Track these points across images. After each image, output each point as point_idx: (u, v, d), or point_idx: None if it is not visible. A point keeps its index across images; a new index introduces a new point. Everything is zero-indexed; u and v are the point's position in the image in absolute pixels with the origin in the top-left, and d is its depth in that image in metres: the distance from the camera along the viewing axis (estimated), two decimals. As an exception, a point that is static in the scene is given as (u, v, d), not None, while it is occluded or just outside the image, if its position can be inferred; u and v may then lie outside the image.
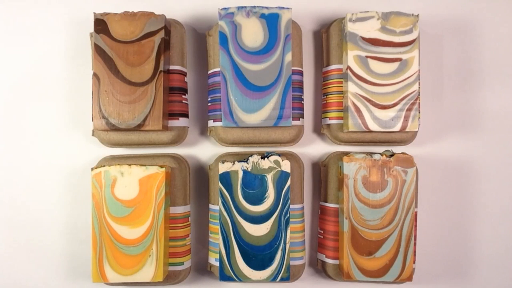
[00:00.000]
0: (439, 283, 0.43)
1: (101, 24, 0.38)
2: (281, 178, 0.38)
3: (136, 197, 0.37)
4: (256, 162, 0.38)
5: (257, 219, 0.37)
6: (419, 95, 0.38)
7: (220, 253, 0.38)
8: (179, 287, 0.42)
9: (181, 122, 0.40)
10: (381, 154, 0.38)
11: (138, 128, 0.37)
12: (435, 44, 0.44)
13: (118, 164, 0.37)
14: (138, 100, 0.37)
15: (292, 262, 0.39)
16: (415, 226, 0.38)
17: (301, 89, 0.40)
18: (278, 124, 0.38)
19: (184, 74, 0.41)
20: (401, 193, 0.38)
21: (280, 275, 0.37)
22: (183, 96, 0.40)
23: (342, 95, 0.40)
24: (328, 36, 0.42)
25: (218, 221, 0.38)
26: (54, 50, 0.43)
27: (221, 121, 0.39)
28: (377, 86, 0.38)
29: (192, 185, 0.42)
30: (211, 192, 0.40)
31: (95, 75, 0.37)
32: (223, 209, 0.38)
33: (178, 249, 0.39)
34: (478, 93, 0.43)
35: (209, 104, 0.40)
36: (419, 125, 0.39)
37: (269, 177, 0.38)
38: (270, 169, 0.38)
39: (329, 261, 0.40)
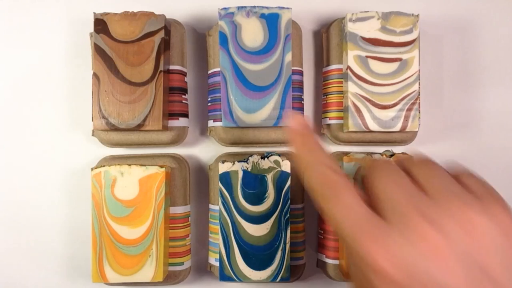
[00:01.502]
0: (439, 283, 0.43)
1: (101, 24, 0.38)
2: (281, 178, 0.38)
3: (136, 197, 0.37)
4: (256, 162, 0.38)
5: (257, 219, 0.37)
6: (419, 95, 0.38)
7: (220, 253, 0.38)
8: (179, 287, 0.42)
9: (181, 122, 0.40)
10: (381, 154, 0.38)
11: (138, 128, 0.37)
12: (435, 44, 0.44)
13: (118, 164, 0.37)
14: (138, 100, 0.37)
15: (292, 262, 0.39)
16: (415, 226, 0.38)
17: (301, 89, 0.40)
18: (278, 124, 0.38)
19: (184, 74, 0.41)
20: (401, 193, 0.37)
21: (280, 275, 0.37)
22: (183, 96, 0.40)
23: (342, 95, 0.40)
24: (328, 36, 0.42)
25: (218, 221, 0.38)
26: (54, 50, 0.43)
27: (221, 121, 0.39)
28: (377, 86, 0.38)
29: (192, 185, 0.42)
30: (211, 192, 0.40)
31: (95, 75, 0.37)
32: (223, 209, 0.38)
33: (178, 249, 0.39)
34: (478, 93, 0.43)
35: (209, 104, 0.40)
36: (419, 125, 0.39)
37: (269, 177, 0.38)
38: (270, 169, 0.38)
39: (329, 261, 0.40)
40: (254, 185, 0.38)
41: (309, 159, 0.28)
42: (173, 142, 0.40)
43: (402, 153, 0.38)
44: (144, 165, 0.37)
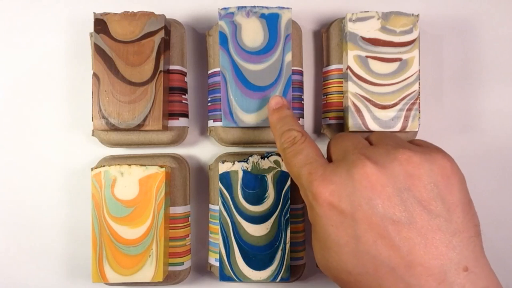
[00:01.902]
0: (439, 283, 0.43)
1: (101, 24, 0.38)
2: (281, 178, 0.38)
3: (136, 197, 0.37)
4: (256, 162, 0.38)
5: (257, 219, 0.37)
6: (419, 95, 0.38)
7: (220, 253, 0.38)
8: (179, 287, 0.42)
9: (181, 122, 0.40)
10: (381, 154, 0.38)
11: (138, 128, 0.37)
12: (435, 44, 0.44)
13: (118, 164, 0.37)
14: (138, 100, 0.37)
15: (292, 262, 0.39)
16: (415, 226, 0.38)
17: (301, 89, 0.40)
18: (278, 124, 0.38)
19: (184, 74, 0.41)
20: (401, 193, 0.37)
21: (280, 275, 0.37)
22: (183, 96, 0.40)
23: (342, 95, 0.40)
24: (328, 36, 0.42)
25: (218, 221, 0.38)
26: (54, 50, 0.43)
27: (221, 121, 0.39)
28: (377, 86, 0.38)
29: (192, 185, 0.42)
30: (211, 192, 0.40)
31: (95, 75, 0.37)
32: (223, 209, 0.38)
33: (178, 249, 0.39)
34: (478, 93, 0.43)
35: (209, 104, 0.40)
36: (419, 125, 0.39)
37: (269, 177, 0.38)
38: (270, 169, 0.38)
39: (329, 261, 0.40)
40: (254, 185, 0.38)
41: (281, 126, 0.33)
42: (173, 142, 0.40)
43: (402, 153, 0.38)
44: (144, 165, 0.37)
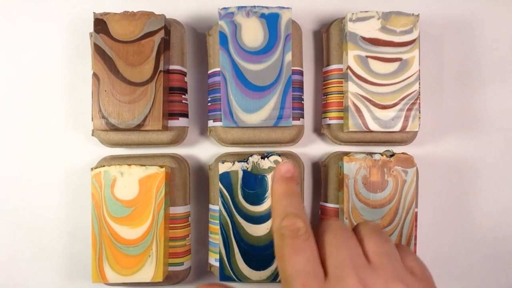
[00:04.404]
0: (439, 283, 0.43)
1: (100, 24, 0.38)
2: (281, 178, 0.38)
3: (136, 197, 0.37)
4: (256, 162, 0.38)
5: (257, 219, 0.37)
6: (419, 95, 0.38)
7: (220, 253, 0.38)
8: (179, 287, 0.41)
9: (181, 122, 0.40)
10: (381, 154, 0.38)
11: (138, 128, 0.37)
12: (435, 44, 0.44)
13: (118, 164, 0.37)
14: (138, 100, 0.37)
15: (292, 262, 0.39)
16: (415, 226, 0.38)
17: (301, 89, 0.40)
18: (278, 124, 0.38)
19: (184, 74, 0.41)
20: (402, 193, 0.37)
21: (280, 275, 0.37)
22: (183, 96, 0.40)
23: (342, 95, 0.40)
24: (328, 36, 0.42)
25: (218, 221, 0.38)
26: (54, 50, 0.43)
27: (221, 121, 0.39)
28: (377, 86, 0.38)
29: (192, 185, 0.42)
30: (211, 192, 0.40)
31: (94, 75, 0.37)
32: (223, 209, 0.38)
33: (178, 249, 0.39)
34: (478, 93, 0.43)
35: (209, 104, 0.40)
36: (419, 125, 0.39)
37: (269, 177, 0.38)
38: (270, 169, 0.38)
39: (329, 261, 0.40)
40: (254, 185, 0.38)
41: (286, 206, 0.29)
42: (173, 142, 0.40)
43: (403, 153, 0.38)
44: (144, 165, 0.37)
